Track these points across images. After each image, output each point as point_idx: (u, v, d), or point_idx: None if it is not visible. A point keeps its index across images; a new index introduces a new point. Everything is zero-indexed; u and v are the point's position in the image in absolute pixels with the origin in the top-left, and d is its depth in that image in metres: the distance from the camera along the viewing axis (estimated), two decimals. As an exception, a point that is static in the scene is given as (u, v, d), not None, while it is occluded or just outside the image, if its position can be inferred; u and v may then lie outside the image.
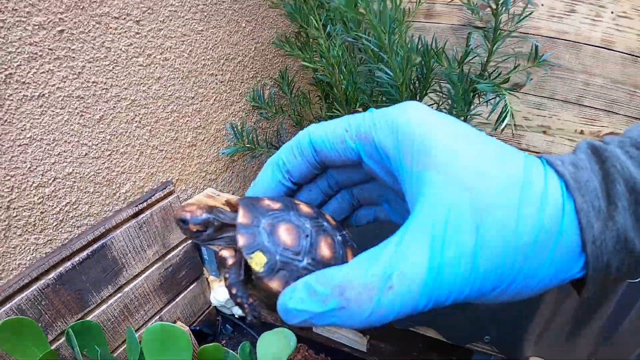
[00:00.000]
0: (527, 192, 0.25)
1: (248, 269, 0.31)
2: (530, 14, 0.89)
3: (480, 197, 0.25)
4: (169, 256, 1.03)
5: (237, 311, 1.17)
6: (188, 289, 1.09)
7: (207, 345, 0.74)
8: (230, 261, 0.32)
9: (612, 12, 1.26)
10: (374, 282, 0.25)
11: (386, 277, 0.25)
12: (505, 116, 0.88)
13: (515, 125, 1.39)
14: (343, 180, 0.38)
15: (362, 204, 0.40)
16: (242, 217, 0.31)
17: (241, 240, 0.30)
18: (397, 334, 0.98)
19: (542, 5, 1.30)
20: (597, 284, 0.27)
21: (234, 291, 0.32)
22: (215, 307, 1.18)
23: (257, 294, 0.32)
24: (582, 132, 1.42)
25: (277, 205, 0.33)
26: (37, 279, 0.80)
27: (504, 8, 0.86)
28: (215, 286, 1.13)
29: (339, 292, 0.25)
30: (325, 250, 0.32)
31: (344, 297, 0.25)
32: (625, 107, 1.37)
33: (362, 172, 0.36)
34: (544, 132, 1.47)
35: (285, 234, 0.31)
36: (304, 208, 0.34)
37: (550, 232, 0.25)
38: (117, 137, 0.95)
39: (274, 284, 0.30)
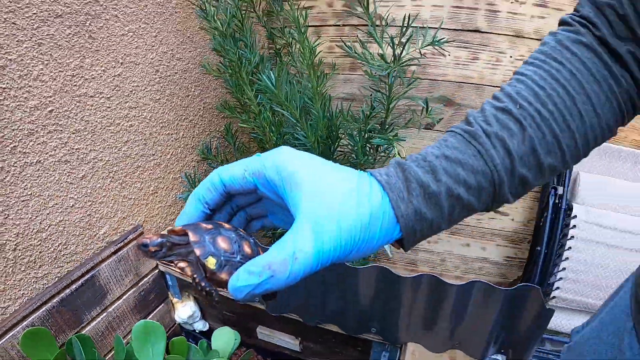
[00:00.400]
0: (359, 194, 0.39)
1: (204, 269, 0.42)
2: (412, 81, 1.15)
3: (335, 202, 0.38)
4: (141, 283, 1.25)
5: (198, 326, 1.39)
6: (157, 309, 1.31)
7: (175, 338, 0.98)
8: (187, 269, 0.43)
9: (510, 57, 1.47)
10: (287, 258, 0.36)
11: (292, 254, 0.36)
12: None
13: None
14: (241, 203, 0.50)
15: (254, 217, 0.53)
16: (193, 237, 0.42)
17: (198, 251, 0.41)
18: (318, 335, 1.23)
19: (449, 55, 1.52)
20: (410, 241, 0.42)
21: (202, 284, 0.42)
22: (179, 324, 1.39)
23: (213, 284, 0.43)
24: None
25: (209, 226, 0.44)
26: (46, 302, 1.01)
27: (393, 80, 1.13)
28: (178, 307, 1.35)
29: (268, 267, 0.37)
30: (247, 249, 0.45)
31: (271, 270, 0.36)
32: None
33: (255, 196, 0.49)
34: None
35: (222, 243, 0.43)
36: (226, 225, 0.46)
37: (377, 215, 0.39)
38: (95, 191, 1.19)
39: (223, 275, 0.42)
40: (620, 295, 0.64)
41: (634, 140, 1.56)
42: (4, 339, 0.92)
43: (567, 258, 1.43)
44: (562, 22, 0.48)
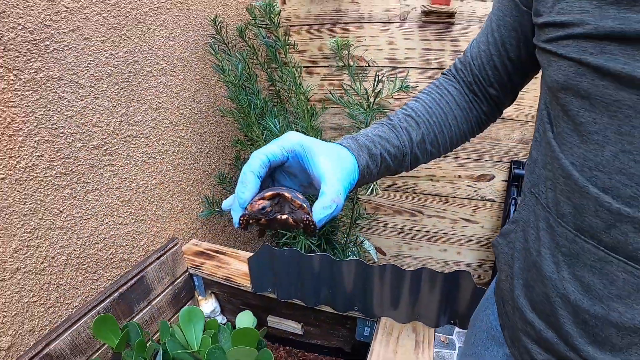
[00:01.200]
0: (344, 155, 0.60)
1: (300, 211, 0.55)
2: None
3: (337, 161, 0.57)
4: (175, 282, 1.52)
5: (218, 320, 1.64)
6: (186, 304, 1.57)
7: (209, 319, 1.25)
8: (289, 219, 0.54)
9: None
10: (339, 194, 0.53)
11: (338, 191, 0.53)
12: (372, 189, 1.44)
13: (377, 191, 1.87)
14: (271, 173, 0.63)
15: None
16: (289, 194, 0.54)
17: (300, 201, 0.54)
18: (315, 319, 1.48)
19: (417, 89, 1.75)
20: (361, 182, 0.63)
21: (311, 219, 0.53)
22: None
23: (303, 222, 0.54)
24: (459, 177, 1.82)
25: (284, 188, 0.56)
26: (109, 295, 1.28)
27: (370, 120, 1.41)
28: (202, 303, 1.60)
29: (333, 201, 0.52)
30: (302, 198, 0.57)
31: (335, 202, 0.52)
32: (490, 155, 1.78)
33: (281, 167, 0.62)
34: (431, 180, 1.86)
35: (299, 196, 0.55)
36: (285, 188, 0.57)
37: (353, 166, 0.60)
38: (138, 211, 1.46)
39: (311, 216, 0.53)
40: (492, 282, 0.86)
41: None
42: (78, 324, 1.18)
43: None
44: (443, 74, 0.78)
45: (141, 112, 1.40)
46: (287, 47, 1.46)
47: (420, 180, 1.90)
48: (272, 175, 0.65)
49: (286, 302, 1.42)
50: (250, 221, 0.54)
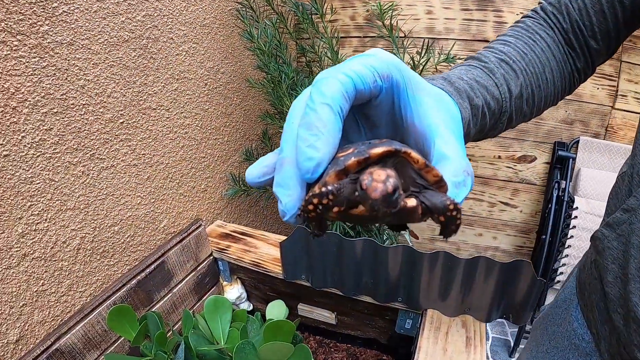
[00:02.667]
0: (451, 107, 0.39)
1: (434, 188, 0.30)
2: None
3: (443, 104, 0.37)
4: (199, 267, 1.35)
5: (243, 307, 1.47)
6: (210, 290, 1.41)
7: (237, 310, 1.08)
8: (419, 206, 0.29)
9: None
10: (467, 162, 0.33)
11: (465, 157, 0.34)
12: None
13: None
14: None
15: None
16: (418, 156, 0.30)
17: (438, 171, 0.30)
18: (351, 308, 1.31)
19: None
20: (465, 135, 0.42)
21: (461, 207, 0.30)
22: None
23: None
24: (499, 157, 1.66)
25: (385, 141, 0.31)
26: (126, 284, 1.12)
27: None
28: (227, 289, 1.44)
29: (467, 173, 0.32)
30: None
31: (470, 175, 0.33)
32: (533, 135, 1.62)
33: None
34: (470, 159, 1.68)
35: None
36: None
37: (460, 117, 0.39)
38: (157, 190, 1.29)
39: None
40: (570, 280, 0.72)
41: (632, 137, 1.60)
42: (92, 315, 1.03)
43: (569, 246, 1.47)
44: (526, 16, 0.58)
45: (161, 82, 1.21)
46: (323, 13, 1.26)
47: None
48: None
49: (320, 290, 1.25)
50: (318, 210, 0.28)
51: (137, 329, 0.99)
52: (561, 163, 1.59)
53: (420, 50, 1.17)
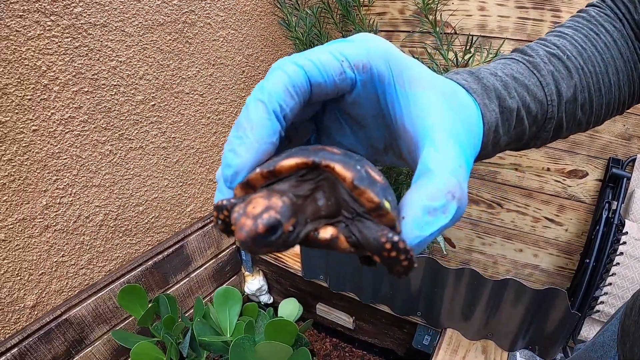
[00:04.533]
0: (465, 104, 0.31)
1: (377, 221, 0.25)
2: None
3: (452, 104, 0.30)
4: (220, 255, 1.38)
5: (264, 299, 1.50)
6: (230, 279, 1.44)
7: (248, 303, 1.10)
8: (342, 238, 0.25)
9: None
10: (460, 180, 0.26)
11: (459, 172, 0.26)
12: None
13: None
14: (296, 119, 0.32)
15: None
16: (347, 172, 0.24)
17: (373, 195, 0.24)
18: (370, 315, 1.29)
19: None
20: (481, 156, 0.35)
21: (408, 247, 0.24)
22: (247, 295, 1.51)
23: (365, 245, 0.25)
24: (548, 169, 1.56)
25: (337, 151, 0.27)
26: (141, 264, 1.16)
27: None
28: (249, 280, 1.47)
29: (452, 197, 0.25)
30: (379, 182, 0.27)
31: (457, 199, 0.25)
32: (586, 148, 1.51)
33: (318, 106, 0.34)
34: (516, 169, 1.61)
35: (375, 174, 0.26)
36: (335, 149, 0.28)
37: (479, 125, 0.32)
38: (186, 174, 1.32)
39: (398, 226, 0.25)
40: (612, 322, 0.64)
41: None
42: (105, 291, 1.08)
43: (614, 273, 1.37)
44: (591, 5, 0.49)
45: (196, 67, 1.24)
46: (360, 4, 1.23)
47: (504, 168, 1.63)
48: (317, 120, 0.35)
49: (339, 293, 1.24)
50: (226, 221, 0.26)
51: (146, 309, 1.03)
52: (614, 182, 1.47)
53: (465, 46, 1.11)
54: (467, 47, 1.11)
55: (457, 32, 1.41)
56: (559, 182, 1.55)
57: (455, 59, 1.14)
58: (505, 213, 1.65)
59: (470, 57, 1.14)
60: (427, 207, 0.25)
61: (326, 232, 0.25)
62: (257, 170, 0.25)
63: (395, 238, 0.24)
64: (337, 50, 0.28)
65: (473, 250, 1.79)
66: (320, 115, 0.35)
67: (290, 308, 1.23)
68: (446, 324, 1.13)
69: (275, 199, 0.22)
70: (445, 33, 1.20)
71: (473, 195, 1.67)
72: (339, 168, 0.24)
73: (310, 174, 0.25)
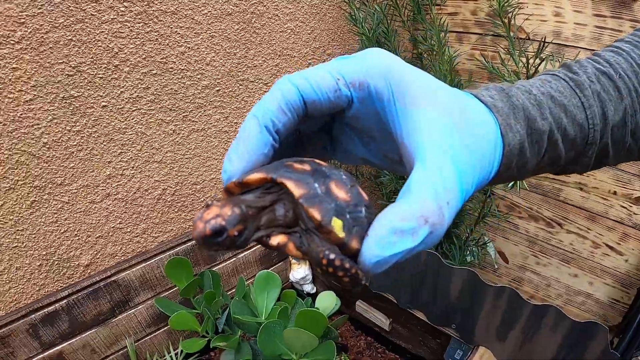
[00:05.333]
0: (476, 122, 0.30)
1: (325, 238, 0.26)
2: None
3: (457, 122, 0.29)
4: (266, 240, 1.43)
5: (307, 288, 1.53)
6: (276, 265, 1.49)
7: (287, 290, 1.14)
8: (291, 246, 0.27)
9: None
10: (441, 203, 0.25)
11: (444, 196, 0.25)
12: (516, 183, 1.15)
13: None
14: (306, 129, 0.36)
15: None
16: (297, 189, 0.26)
17: (316, 212, 0.25)
18: (407, 320, 1.27)
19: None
20: (498, 179, 0.34)
21: (347, 265, 0.25)
22: (291, 282, 1.55)
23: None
24: (615, 193, 1.45)
25: (306, 166, 0.28)
26: (192, 239, 1.23)
27: None
28: (294, 267, 1.50)
29: (424, 221, 0.25)
30: (364, 195, 0.29)
31: (429, 223, 0.25)
32: None
33: (322, 120, 0.35)
34: (581, 189, 1.51)
35: (339, 191, 0.27)
36: (320, 162, 0.30)
37: (494, 146, 0.31)
38: (242, 157, 1.37)
39: (354, 244, 0.26)
40: None
41: None
42: (154, 260, 1.16)
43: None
44: None
45: (262, 57, 1.27)
46: (433, 4, 1.21)
47: (568, 186, 1.53)
48: (331, 131, 0.37)
49: (378, 293, 1.25)
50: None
51: (190, 282, 1.09)
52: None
53: (536, 52, 1.06)
54: (539, 53, 1.06)
55: (531, 37, 1.34)
56: (624, 207, 1.44)
57: (526, 64, 1.10)
58: (564, 234, 1.56)
59: (541, 64, 1.09)
60: (394, 227, 0.25)
61: (275, 239, 0.28)
62: (234, 180, 0.29)
63: (332, 256, 0.25)
64: (334, 69, 0.30)
65: (527, 269, 1.71)
66: (331, 127, 0.37)
67: (327, 300, 1.25)
68: (480, 340, 1.10)
69: (226, 209, 0.26)
70: (518, 38, 1.14)
71: (533, 211, 1.59)
72: (289, 185, 0.26)
73: (275, 187, 0.28)
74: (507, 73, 1.15)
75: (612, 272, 1.52)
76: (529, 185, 1.57)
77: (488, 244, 1.57)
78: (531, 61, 1.09)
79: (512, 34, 1.13)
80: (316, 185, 0.27)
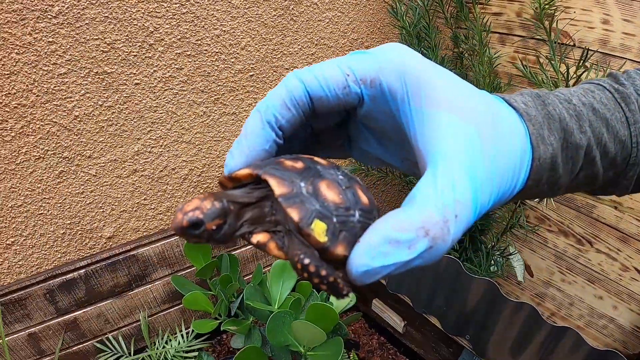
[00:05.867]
0: (504, 131, 0.27)
1: (306, 241, 0.25)
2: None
3: (482, 129, 0.26)
4: (288, 229, 1.43)
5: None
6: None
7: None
8: (272, 245, 0.26)
9: None
10: (448, 216, 0.23)
11: (452, 209, 0.23)
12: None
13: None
14: (319, 126, 0.34)
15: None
16: (279, 187, 0.25)
17: (294, 213, 0.24)
18: (421, 325, 1.26)
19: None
20: (525, 194, 0.31)
21: (323, 273, 0.24)
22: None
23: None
24: None
25: (298, 164, 0.27)
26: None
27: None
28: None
29: (424, 233, 0.22)
30: (364, 198, 0.27)
31: (430, 236, 0.22)
32: None
33: (338, 117, 0.33)
34: (615, 208, 1.44)
35: (329, 191, 0.26)
36: (320, 160, 0.29)
37: (521, 158, 0.28)
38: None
39: (340, 250, 0.24)
40: None
41: None
42: (175, 238, 1.17)
43: None
44: None
45: (298, 44, 1.26)
46: (477, 3, 1.16)
47: (602, 203, 1.45)
48: (348, 129, 0.35)
49: (395, 294, 1.23)
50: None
51: (207, 263, 1.10)
52: None
53: (579, 61, 1.01)
54: (582, 62, 1.01)
55: (576, 44, 1.27)
56: (659, 232, 1.37)
57: (566, 72, 1.05)
58: (593, 253, 1.50)
59: (584, 73, 1.03)
60: (388, 236, 0.23)
61: (256, 237, 0.26)
62: (226, 174, 0.29)
63: (306, 260, 0.24)
64: (345, 64, 0.28)
65: (551, 285, 1.65)
66: (347, 124, 0.35)
67: (341, 297, 1.25)
68: (493, 354, 1.07)
69: (207, 202, 0.25)
70: (560, 43, 1.09)
71: (564, 226, 1.53)
72: (271, 182, 0.25)
73: (263, 183, 0.27)
74: (546, 80, 1.10)
75: (639, 298, 1.45)
76: (561, 198, 1.51)
77: (514, 255, 1.52)
78: (572, 70, 1.04)
79: (553, 37, 1.08)
80: (302, 184, 0.25)
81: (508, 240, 1.48)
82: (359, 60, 0.28)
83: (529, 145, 0.29)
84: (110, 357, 1.22)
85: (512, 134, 0.28)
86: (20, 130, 0.92)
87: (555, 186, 0.32)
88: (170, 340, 1.26)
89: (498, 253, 1.48)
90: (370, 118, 0.30)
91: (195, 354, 1.24)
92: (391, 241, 0.22)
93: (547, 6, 1.02)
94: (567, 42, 1.27)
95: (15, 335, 1.09)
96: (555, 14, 1.05)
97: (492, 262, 1.47)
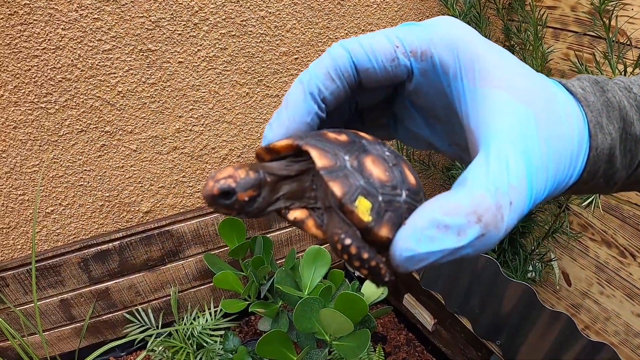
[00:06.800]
0: (563, 106, 0.25)
1: (348, 221, 0.23)
2: None
3: (538, 112, 0.24)
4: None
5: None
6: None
7: (336, 270, 1.12)
8: (311, 223, 0.24)
9: None
10: (501, 201, 0.21)
11: (506, 194, 0.21)
12: (593, 200, 1.06)
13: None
14: (364, 102, 0.32)
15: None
16: (321, 159, 0.23)
17: (337, 188, 0.22)
18: (452, 325, 1.22)
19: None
20: (580, 188, 0.28)
21: (365, 255, 0.22)
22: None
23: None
24: None
25: (343, 137, 0.25)
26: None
27: None
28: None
29: (476, 219, 0.20)
30: (411, 177, 0.25)
31: (483, 223, 0.20)
32: None
33: (385, 92, 0.31)
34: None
35: (375, 168, 0.24)
36: (364, 135, 0.26)
37: (578, 146, 0.26)
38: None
39: (384, 232, 0.22)
40: None
41: None
42: (210, 217, 1.18)
43: None
44: None
45: (344, 29, 1.23)
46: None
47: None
48: (394, 107, 0.32)
49: (428, 291, 1.20)
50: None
51: (241, 243, 1.10)
52: None
53: (637, 61, 0.95)
54: (639, 61, 0.95)
55: (633, 43, 1.19)
56: None
57: (624, 72, 0.98)
58: (636, 267, 1.42)
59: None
60: (437, 220, 0.21)
61: (294, 214, 0.24)
62: (262, 145, 0.27)
63: (347, 241, 0.22)
64: (394, 35, 0.26)
65: (588, 296, 1.58)
66: (393, 101, 0.32)
67: (373, 288, 1.22)
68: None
69: (241, 171, 0.23)
70: (618, 42, 1.02)
71: (607, 235, 1.45)
72: (313, 153, 0.23)
73: (304, 156, 0.25)
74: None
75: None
76: (607, 207, 1.43)
77: (553, 262, 1.46)
78: (629, 70, 0.97)
79: (611, 35, 1.01)
80: (346, 158, 0.23)
81: (549, 246, 1.42)
82: (409, 31, 0.26)
83: (586, 133, 0.26)
84: (138, 328, 1.25)
85: (570, 120, 0.26)
86: (64, 104, 0.93)
87: (612, 181, 0.29)
88: (199, 317, 1.27)
89: (537, 258, 1.42)
90: (419, 94, 0.28)
91: (222, 332, 1.25)
92: (439, 225, 0.21)
93: (606, 1, 0.95)
94: (625, 42, 1.19)
95: (47, 300, 1.12)
96: (614, 11, 0.98)
97: (530, 267, 1.41)
